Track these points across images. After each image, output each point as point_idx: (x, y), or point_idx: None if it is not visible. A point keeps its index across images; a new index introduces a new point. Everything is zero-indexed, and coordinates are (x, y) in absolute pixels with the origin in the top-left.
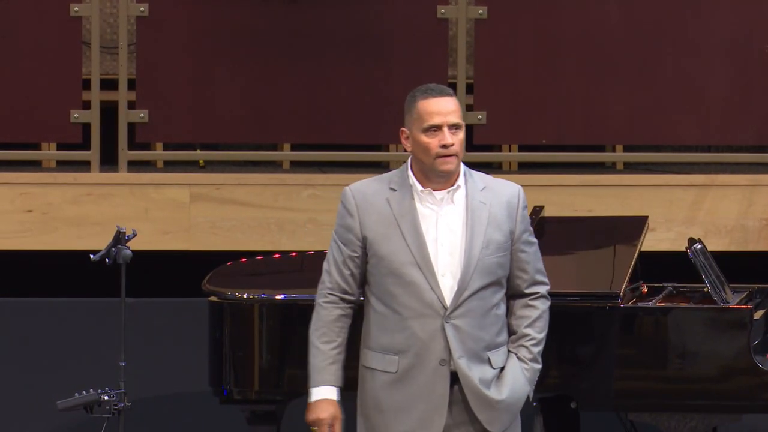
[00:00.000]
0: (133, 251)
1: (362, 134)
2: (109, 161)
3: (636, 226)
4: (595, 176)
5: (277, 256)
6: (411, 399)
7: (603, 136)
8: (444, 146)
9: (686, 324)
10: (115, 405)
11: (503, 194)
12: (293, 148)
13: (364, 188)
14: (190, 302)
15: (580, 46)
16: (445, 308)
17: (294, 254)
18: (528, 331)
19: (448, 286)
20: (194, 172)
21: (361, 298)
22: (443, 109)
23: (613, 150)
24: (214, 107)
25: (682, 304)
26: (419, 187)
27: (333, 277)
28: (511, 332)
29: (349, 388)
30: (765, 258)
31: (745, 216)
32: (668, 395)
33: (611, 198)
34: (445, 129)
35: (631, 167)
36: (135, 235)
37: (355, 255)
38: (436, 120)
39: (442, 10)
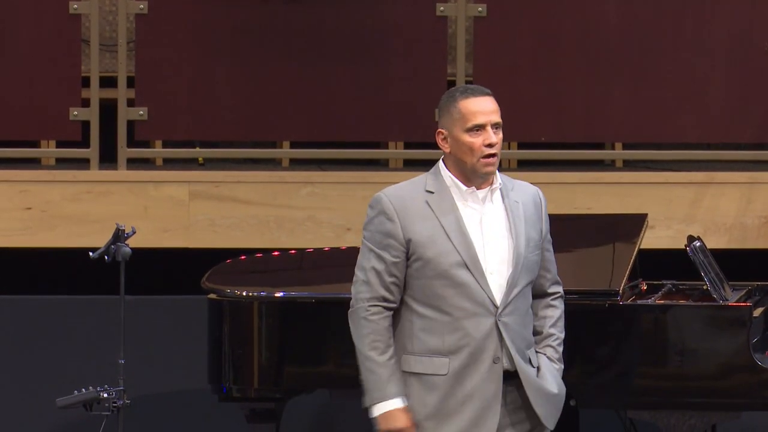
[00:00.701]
0: (132, 249)
1: (361, 132)
2: (108, 159)
3: (635, 223)
4: (594, 174)
5: (276, 253)
6: (463, 399)
7: (602, 133)
8: (489, 145)
9: (685, 321)
10: (115, 402)
11: (529, 194)
12: (292, 145)
13: (400, 192)
14: (190, 300)
15: (579, 43)
16: (496, 306)
17: (293, 252)
18: (553, 330)
19: (497, 285)
20: (193, 170)
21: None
22: (486, 108)
23: (613, 147)
24: (213, 105)
25: (682, 302)
26: (463, 187)
27: (374, 287)
28: (534, 332)
29: (345, 385)
30: (764, 255)
31: (745, 213)
32: (667, 393)
33: (610, 196)
34: (489, 128)
35: (630, 165)
36: (134, 232)
37: (398, 260)
38: (480, 119)
39: (441, 8)
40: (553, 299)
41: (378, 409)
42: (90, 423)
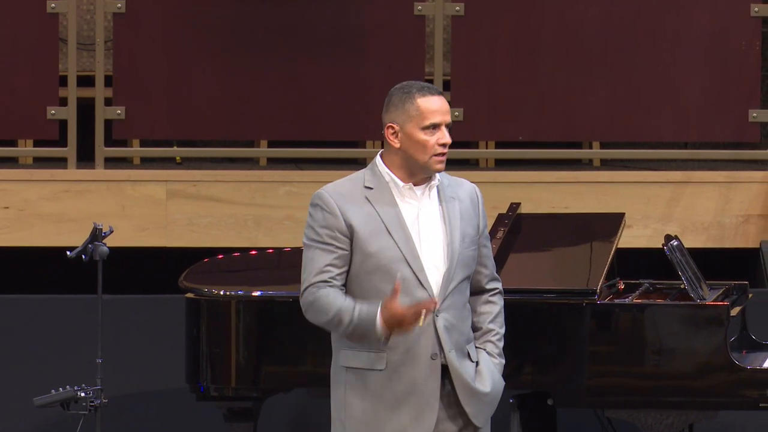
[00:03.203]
0: (109, 248)
1: (339, 131)
2: (85, 158)
3: (613, 222)
4: (572, 173)
5: (253, 252)
6: (402, 395)
7: (580, 132)
8: (443, 145)
9: (663, 321)
10: (92, 402)
11: (465, 190)
12: (270, 144)
13: (339, 188)
14: (167, 299)
15: (557, 42)
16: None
17: (271, 251)
18: (492, 326)
19: (434, 281)
20: (171, 169)
21: None
22: (442, 107)
23: (590, 147)
24: (191, 104)
25: (659, 301)
26: (400, 183)
27: (320, 278)
28: (474, 328)
29: (323, 384)
30: (741, 255)
31: (722, 213)
32: (645, 392)
33: (588, 195)
34: (444, 128)
35: (608, 164)
36: (112, 231)
37: (346, 252)
38: (437, 118)
39: (419, 7)
40: (491, 295)
41: (376, 322)
42: (67, 422)
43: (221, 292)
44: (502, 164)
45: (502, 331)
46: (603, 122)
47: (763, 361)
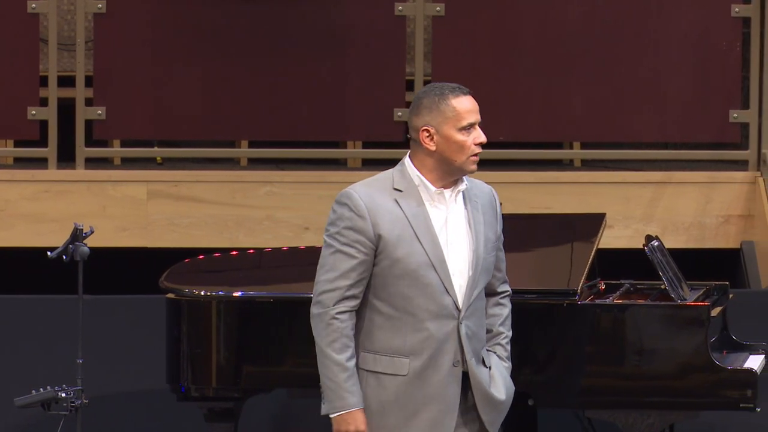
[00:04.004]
0: (90, 248)
1: (320, 131)
2: (66, 158)
3: (593, 223)
4: (552, 173)
5: (234, 253)
6: (423, 401)
7: (561, 133)
8: (479, 144)
9: (644, 321)
10: (73, 402)
11: (485, 192)
12: (251, 145)
13: (368, 189)
14: (148, 299)
15: (538, 43)
16: (459, 309)
17: (251, 251)
18: (502, 329)
19: (458, 287)
20: (152, 169)
21: None
22: (475, 107)
23: (571, 147)
24: (172, 104)
25: (640, 301)
26: (432, 187)
27: (341, 288)
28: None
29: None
30: (722, 255)
31: (703, 213)
32: (626, 392)
33: (569, 195)
34: (478, 127)
35: (588, 164)
36: (92, 232)
37: (367, 258)
38: (473, 118)
39: (400, 8)
40: (502, 298)
41: (338, 411)
42: (48, 422)
43: (202, 293)
44: (482, 164)
45: (511, 334)
46: (584, 123)
47: (744, 362)
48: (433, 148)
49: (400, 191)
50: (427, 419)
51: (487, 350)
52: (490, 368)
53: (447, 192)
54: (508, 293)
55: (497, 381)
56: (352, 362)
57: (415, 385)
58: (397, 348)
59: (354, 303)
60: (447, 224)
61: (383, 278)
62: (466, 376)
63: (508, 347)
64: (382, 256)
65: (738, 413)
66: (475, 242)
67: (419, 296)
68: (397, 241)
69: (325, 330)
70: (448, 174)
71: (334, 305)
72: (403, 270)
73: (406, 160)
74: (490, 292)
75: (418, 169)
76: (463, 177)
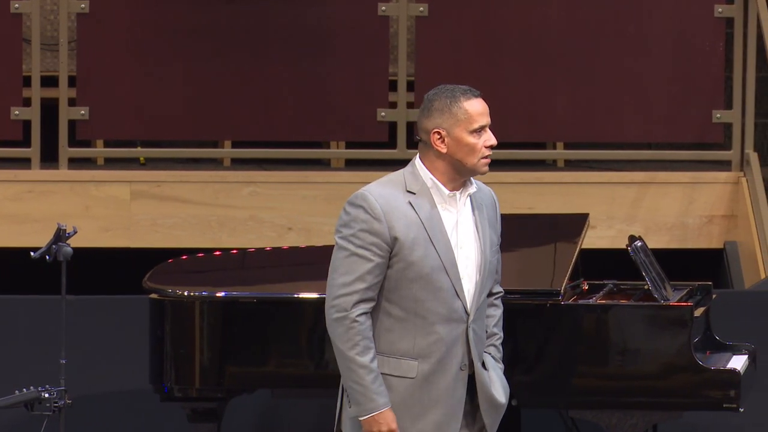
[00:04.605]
0: (73, 248)
1: (303, 131)
2: (49, 158)
3: (577, 223)
4: (536, 173)
5: (218, 253)
6: (429, 404)
7: (544, 133)
8: (489, 147)
9: (627, 321)
10: (56, 402)
11: (486, 195)
12: (234, 145)
13: (383, 191)
14: (131, 300)
15: (521, 43)
16: (467, 313)
17: (235, 251)
18: (496, 330)
19: (467, 290)
20: (135, 170)
21: None
22: (486, 109)
23: (554, 147)
24: (155, 104)
25: (623, 302)
26: (446, 191)
27: (359, 291)
28: None
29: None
30: (705, 255)
31: (686, 213)
32: (609, 392)
33: (552, 195)
34: (488, 130)
35: (572, 164)
36: (76, 232)
37: (382, 261)
38: (484, 121)
39: (383, 8)
40: (496, 298)
41: (367, 417)
42: (31, 423)
43: (185, 293)
44: None
45: (503, 334)
46: (567, 123)
47: (727, 362)
48: (444, 150)
49: (413, 193)
50: (433, 422)
51: (483, 352)
52: (487, 370)
53: (458, 194)
54: (501, 294)
55: (497, 384)
56: (375, 363)
57: (422, 388)
58: (406, 350)
59: (371, 305)
60: (457, 227)
61: (396, 281)
62: (470, 379)
63: (501, 348)
64: (396, 258)
65: (721, 413)
66: (482, 245)
67: (431, 299)
68: (412, 244)
69: (346, 334)
70: (459, 176)
71: (352, 308)
72: (416, 273)
73: (417, 161)
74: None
75: (430, 171)
76: (472, 179)
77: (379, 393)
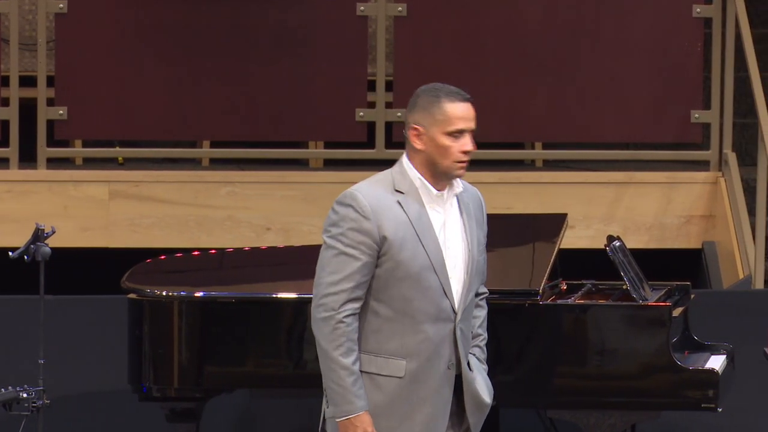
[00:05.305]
0: (52, 248)
1: (282, 131)
2: (27, 158)
3: (555, 223)
4: (514, 173)
5: (196, 253)
6: (417, 403)
7: (523, 133)
8: (465, 152)
9: (605, 321)
10: (34, 402)
11: (473, 194)
12: (212, 145)
13: (372, 191)
14: (110, 299)
15: (500, 43)
16: (455, 312)
17: (213, 251)
18: (480, 331)
19: (455, 290)
20: (113, 170)
21: None
22: (468, 114)
23: (533, 147)
24: (134, 104)
25: (601, 302)
26: (434, 190)
27: (344, 287)
28: None
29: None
30: (683, 255)
31: (664, 213)
32: (587, 392)
33: (530, 195)
34: (468, 135)
35: (550, 164)
36: (54, 232)
37: (371, 260)
38: (462, 125)
39: (362, 8)
40: (481, 299)
41: (343, 418)
42: (9, 423)
43: (164, 293)
44: None
45: (487, 335)
46: (545, 123)
47: (706, 362)
48: (419, 147)
49: (402, 193)
50: (421, 422)
51: (468, 352)
52: (472, 371)
53: (445, 194)
54: (486, 294)
55: (482, 384)
56: (357, 365)
57: (410, 388)
58: (394, 350)
59: (358, 305)
60: (445, 227)
61: (384, 280)
62: (457, 379)
63: (485, 349)
64: (385, 258)
65: (700, 413)
66: (470, 245)
67: (419, 299)
68: (401, 244)
69: (331, 334)
70: (436, 175)
71: (339, 308)
72: (405, 272)
73: (405, 160)
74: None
75: (417, 169)
76: (458, 180)
77: (358, 396)
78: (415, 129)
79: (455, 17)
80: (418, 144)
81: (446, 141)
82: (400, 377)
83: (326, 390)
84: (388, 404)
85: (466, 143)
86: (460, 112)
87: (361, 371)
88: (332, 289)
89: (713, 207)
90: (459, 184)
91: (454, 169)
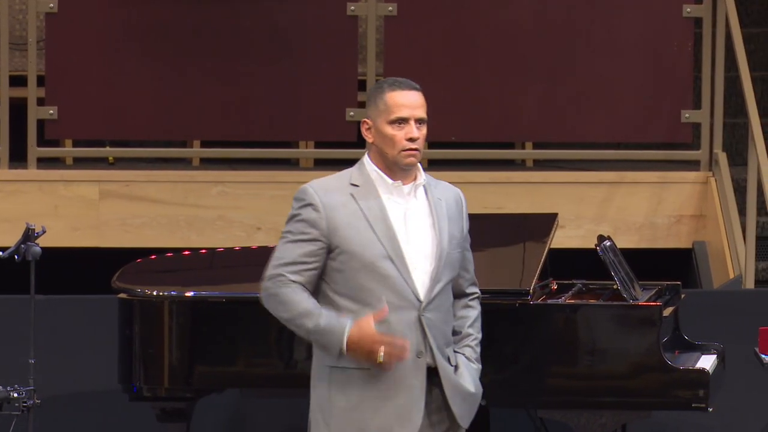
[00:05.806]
0: (42, 248)
1: (272, 131)
2: (18, 158)
3: (546, 223)
4: (505, 173)
5: (187, 253)
6: (387, 393)
7: (513, 133)
8: (410, 140)
9: (596, 321)
10: (25, 402)
11: (450, 193)
12: (203, 145)
13: (325, 185)
14: (100, 299)
15: (490, 43)
16: (420, 301)
17: (204, 251)
18: (471, 331)
19: (420, 280)
20: (104, 169)
21: None
22: (412, 102)
23: (523, 147)
24: (124, 104)
25: (592, 301)
26: (389, 180)
27: (287, 269)
28: (452, 332)
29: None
30: (674, 255)
31: (655, 213)
32: (578, 392)
33: (521, 195)
34: (412, 122)
35: (541, 164)
36: (44, 232)
37: (319, 250)
38: (404, 113)
39: (352, 8)
40: (471, 300)
41: (345, 344)
42: None
43: (154, 293)
44: (434, 164)
45: (480, 336)
46: (536, 123)
47: (696, 362)
48: (370, 139)
49: (357, 186)
50: (394, 412)
51: (455, 351)
52: (456, 367)
53: (406, 187)
54: (477, 295)
55: (465, 378)
56: (315, 304)
57: (379, 378)
58: None
59: (302, 280)
60: (406, 218)
61: (342, 272)
62: (430, 372)
63: (478, 349)
64: (338, 250)
65: (690, 413)
66: (438, 236)
67: (379, 288)
68: (352, 234)
69: (277, 299)
70: (389, 166)
71: (278, 280)
72: (360, 263)
73: (365, 156)
74: (458, 294)
75: (374, 163)
76: (423, 173)
77: (338, 320)
78: (366, 123)
79: (445, 17)
80: (369, 137)
81: (390, 130)
82: (367, 368)
83: (314, 344)
84: (360, 396)
85: (410, 131)
86: (400, 99)
87: (331, 366)
88: (273, 271)
89: (704, 207)
90: (422, 176)
91: (402, 157)
